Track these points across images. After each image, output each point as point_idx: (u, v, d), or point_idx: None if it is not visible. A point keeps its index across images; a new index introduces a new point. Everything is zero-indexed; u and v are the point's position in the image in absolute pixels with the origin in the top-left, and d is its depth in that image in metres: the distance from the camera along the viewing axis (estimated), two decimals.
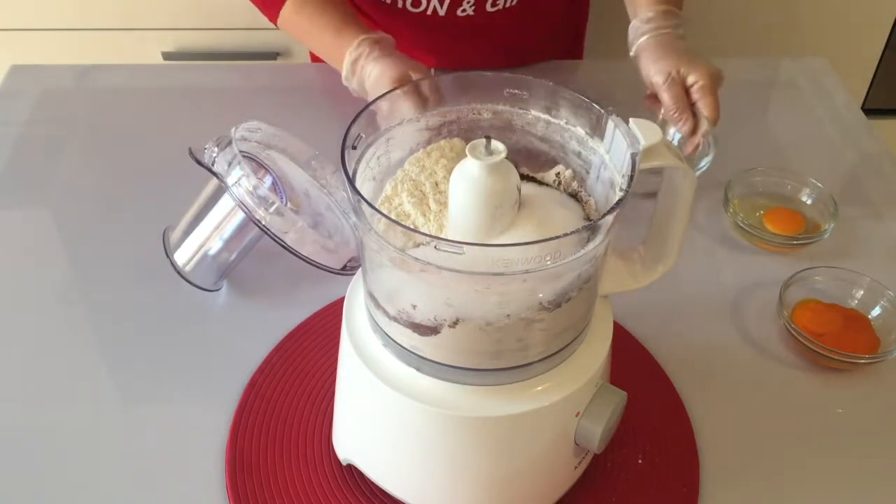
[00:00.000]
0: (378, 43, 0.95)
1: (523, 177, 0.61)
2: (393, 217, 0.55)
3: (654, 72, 0.92)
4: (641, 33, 0.95)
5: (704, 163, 0.93)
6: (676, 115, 0.92)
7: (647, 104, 0.97)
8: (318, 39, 0.99)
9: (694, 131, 0.92)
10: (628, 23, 0.99)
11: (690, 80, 0.92)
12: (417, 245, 0.51)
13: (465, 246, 0.49)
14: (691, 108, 0.92)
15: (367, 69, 0.94)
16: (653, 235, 0.63)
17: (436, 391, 0.58)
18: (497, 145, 0.53)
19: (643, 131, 0.54)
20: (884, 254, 0.93)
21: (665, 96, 0.92)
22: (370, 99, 0.95)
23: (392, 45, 0.96)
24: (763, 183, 0.98)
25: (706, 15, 1.71)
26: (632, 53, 0.96)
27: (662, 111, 0.94)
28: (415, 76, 0.92)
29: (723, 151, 1.05)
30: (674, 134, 0.94)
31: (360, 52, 0.94)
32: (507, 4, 1.09)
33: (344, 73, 0.96)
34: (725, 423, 0.76)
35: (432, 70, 1.15)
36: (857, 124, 1.12)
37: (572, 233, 0.50)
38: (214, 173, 0.75)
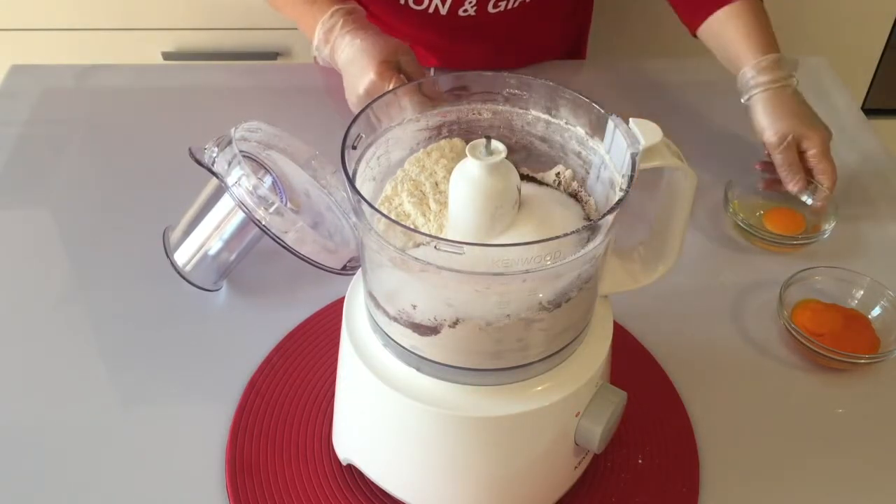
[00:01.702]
0: (351, 14, 0.96)
1: (523, 177, 0.61)
2: (393, 217, 0.55)
3: (770, 133, 0.93)
4: (755, 84, 0.95)
5: (827, 229, 0.93)
6: (788, 176, 0.94)
7: (766, 181, 0.98)
8: (293, 7, 0.99)
9: (803, 189, 0.94)
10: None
11: (805, 145, 0.94)
12: (417, 245, 0.51)
13: (465, 246, 0.49)
14: (805, 171, 0.94)
15: (339, 42, 0.94)
16: (653, 235, 0.63)
17: (436, 391, 0.58)
18: (497, 145, 0.53)
19: (643, 131, 0.54)
20: (884, 254, 0.93)
21: (778, 158, 0.94)
22: (342, 72, 0.95)
23: (364, 17, 0.97)
24: (763, 182, 0.98)
25: None
26: (744, 100, 0.96)
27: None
28: (401, 57, 0.93)
29: (723, 151, 1.05)
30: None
31: (332, 23, 0.95)
32: (509, 6, 1.09)
33: (315, 43, 0.97)
34: (725, 423, 0.76)
35: (432, 70, 1.15)
36: (857, 124, 1.12)
37: (572, 233, 0.50)
38: (214, 173, 0.75)
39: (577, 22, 1.27)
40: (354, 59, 0.93)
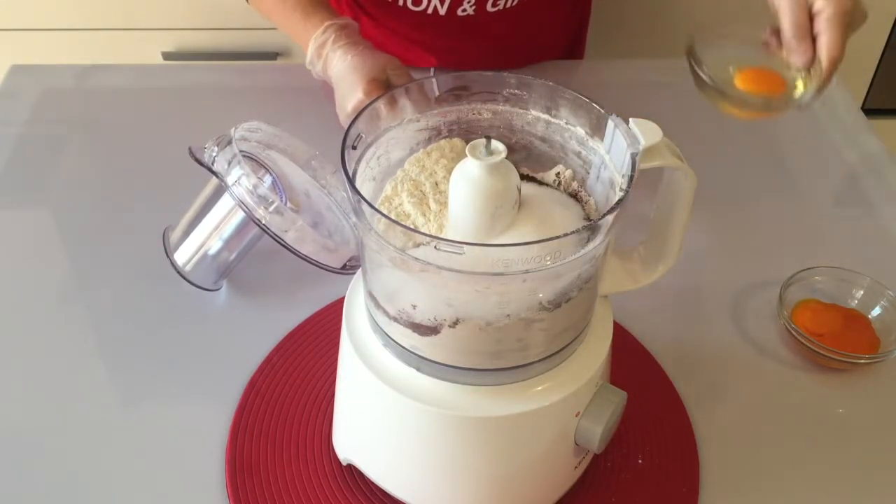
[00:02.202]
0: (344, 29, 0.96)
1: (523, 177, 0.61)
2: (393, 217, 0.55)
3: None
4: None
5: (808, 93, 0.76)
6: (794, 43, 0.77)
7: (766, 44, 0.80)
8: (287, 20, 0.99)
9: (809, 62, 0.77)
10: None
11: (817, 6, 0.77)
12: (417, 245, 0.51)
13: (465, 246, 0.49)
14: (812, 38, 0.77)
15: (331, 57, 0.95)
16: (653, 235, 0.63)
17: (436, 391, 0.58)
18: (497, 145, 0.53)
19: (643, 131, 0.54)
20: (884, 254, 0.93)
21: (785, 21, 0.77)
22: (334, 86, 0.95)
23: (357, 31, 0.97)
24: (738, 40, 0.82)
25: (706, 15, 1.71)
26: None
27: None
28: (391, 72, 0.93)
29: (723, 152, 1.05)
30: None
31: (325, 39, 0.95)
32: (508, 5, 1.09)
33: (308, 57, 0.97)
34: (725, 424, 0.76)
35: (432, 70, 1.15)
36: (857, 124, 1.12)
37: (572, 233, 0.50)
38: (214, 173, 0.75)
39: (575, 21, 1.27)
40: (345, 76, 0.93)
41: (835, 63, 0.76)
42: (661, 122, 0.55)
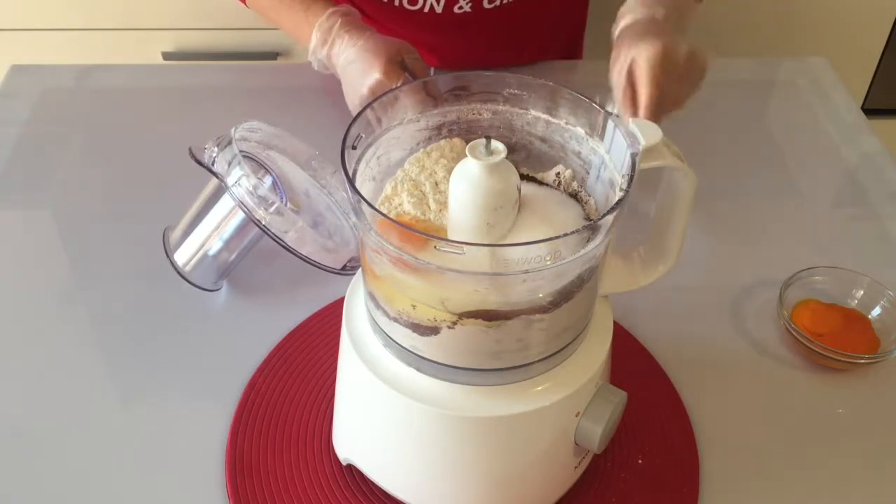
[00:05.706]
0: (348, 16, 0.96)
1: (523, 177, 0.61)
2: (393, 217, 0.55)
3: (611, 59, 0.81)
4: (617, 26, 0.84)
5: None
6: (620, 103, 0.79)
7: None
8: (287, 13, 0.99)
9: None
10: None
11: (635, 60, 0.78)
12: None
13: (464, 246, 0.49)
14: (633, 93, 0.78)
15: (338, 43, 0.94)
16: (653, 235, 0.63)
17: (436, 391, 0.58)
18: (497, 145, 0.53)
19: (643, 131, 0.54)
20: (884, 254, 0.93)
21: (613, 83, 0.80)
22: (340, 73, 0.95)
23: (360, 19, 0.97)
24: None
25: (706, 15, 1.71)
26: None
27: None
28: (406, 56, 0.93)
29: (723, 152, 1.05)
30: None
31: (330, 24, 0.95)
32: (505, 1, 1.09)
33: (312, 46, 0.96)
34: (725, 423, 0.76)
35: (432, 70, 1.15)
36: (857, 124, 1.12)
37: (572, 233, 0.50)
38: (214, 173, 0.75)
39: (572, 20, 1.27)
40: (357, 60, 0.92)
41: (651, 102, 0.75)
42: (661, 123, 0.55)
